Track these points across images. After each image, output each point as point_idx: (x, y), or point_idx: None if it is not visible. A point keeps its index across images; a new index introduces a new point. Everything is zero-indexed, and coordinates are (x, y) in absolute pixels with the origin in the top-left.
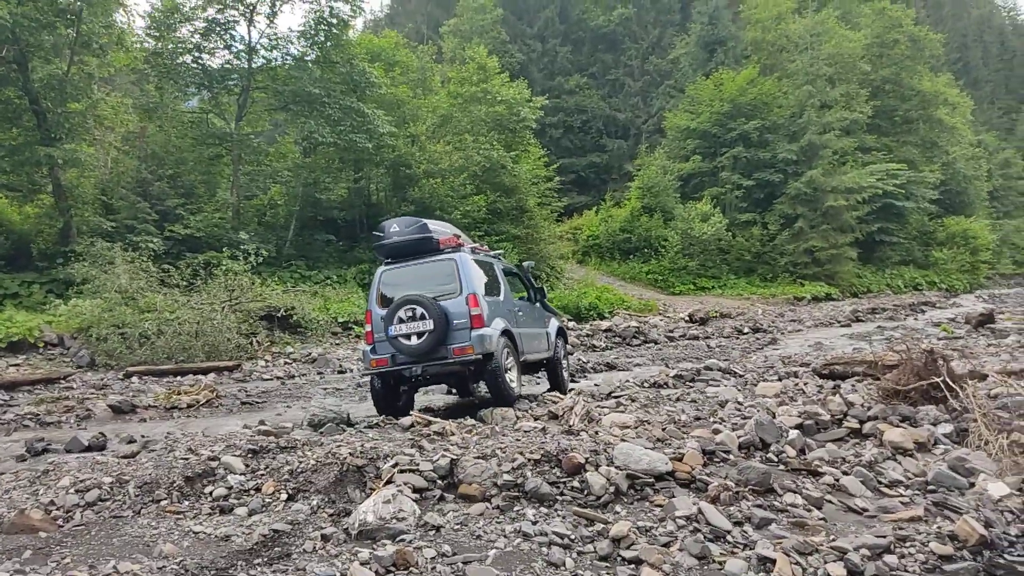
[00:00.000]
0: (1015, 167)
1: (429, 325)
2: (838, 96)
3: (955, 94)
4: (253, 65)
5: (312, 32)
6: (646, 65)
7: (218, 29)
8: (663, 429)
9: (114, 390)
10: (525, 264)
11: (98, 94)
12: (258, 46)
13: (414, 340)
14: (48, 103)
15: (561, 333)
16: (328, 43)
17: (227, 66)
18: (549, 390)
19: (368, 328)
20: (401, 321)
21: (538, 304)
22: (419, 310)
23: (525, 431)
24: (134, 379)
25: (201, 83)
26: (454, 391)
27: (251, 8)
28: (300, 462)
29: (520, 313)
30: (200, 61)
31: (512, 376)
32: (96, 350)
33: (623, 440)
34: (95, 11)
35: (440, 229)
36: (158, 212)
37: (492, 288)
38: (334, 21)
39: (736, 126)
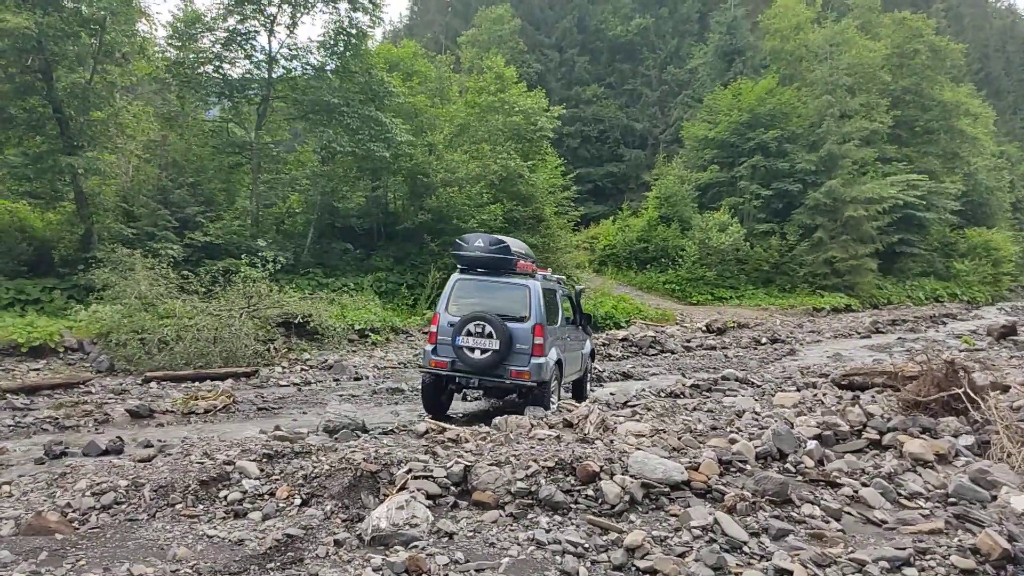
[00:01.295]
0: None
1: (495, 344)
2: (858, 106)
3: (977, 104)
4: (273, 75)
5: (332, 42)
6: (664, 75)
7: (239, 39)
8: (679, 438)
9: (132, 395)
10: (579, 288)
11: (120, 103)
12: (278, 56)
13: (478, 354)
14: (71, 111)
15: (592, 353)
16: (347, 53)
17: (247, 76)
18: (570, 399)
19: (433, 329)
20: (469, 334)
21: (580, 327)
22: (488, 328)
23: (540, 439)
24: (152, 384)
25: (222, 92)
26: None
27: (271, 19)
28: (314, 467)
29: (568, 339)
30: (221, 71)
31: (554, 397)
32: (115, 355)
33: (638, 449)
34: (118, 21)
35: (520, 251)
36: (178, 219)
37: (552, 315)
38: (353, 32)
39: (754, 136)
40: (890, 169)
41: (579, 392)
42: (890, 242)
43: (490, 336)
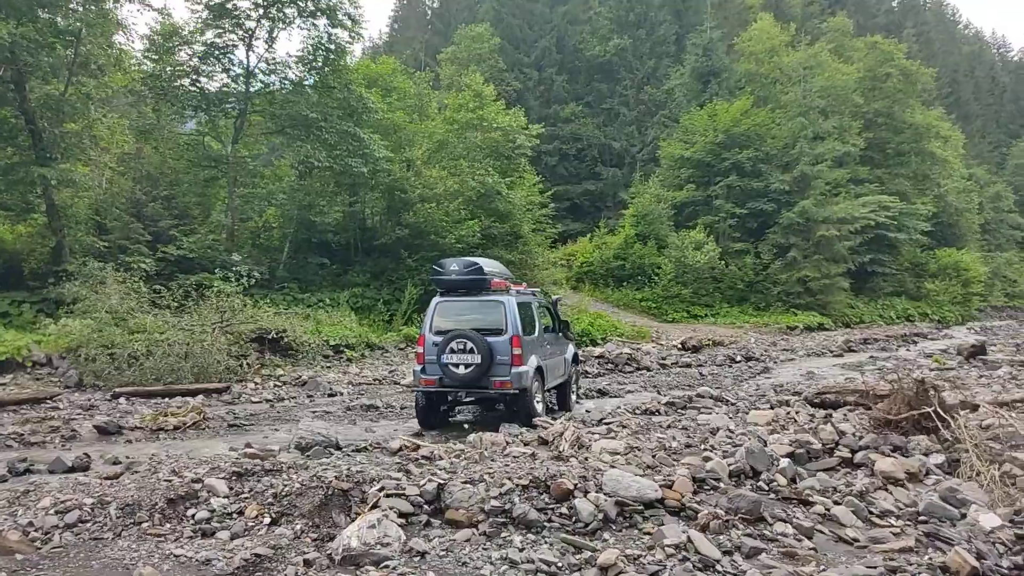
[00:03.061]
0: (1006, 200)
1: (477, 359)
2: (831, 128)
3: (947, 128)
4: (251, 89)
5: (310, 57)
6: (641, 95)
7: (216, 53)
8: (653, 456)
9: (101, 411)
10: (555, 298)
11: (95, 115)
12: (256, 70)
13: (462, 369)
14: (44, 123)
15: (575, 358)
16: (326, 68)
17: (225, 89)
18: (557, 408)
19: (420, 350)
20: (453, 352)
21: (560, 334)
22: (469, 344)
23: (514, 456)
24: (122, 400)
25: (198, 106)
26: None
27: (250, 33)
28: (285, 485)
29: (548, 346)
30: (198, 84)
31: (538, 402)
32: (84, 370)
33: (613, 466)
34: (95, 32)
35: (493, 271)
36: (151, 233)
37: (529, 326)
38: (332, 47)
39: (730, 156)
40: (862, 190)
41: (563, 397)
42: (862, 262)
43: (472, 352)
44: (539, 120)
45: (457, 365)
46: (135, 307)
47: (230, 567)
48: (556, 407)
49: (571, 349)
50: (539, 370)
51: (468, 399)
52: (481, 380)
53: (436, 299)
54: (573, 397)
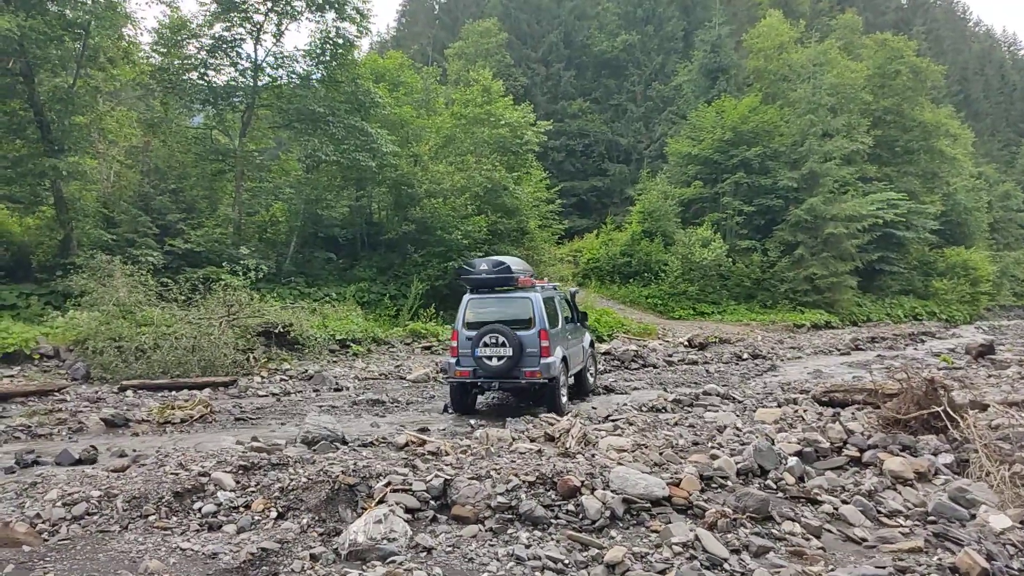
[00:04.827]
0: (1015, 199)
1: (508, 352)
2: (839, 125)
3: (956, 126)
4: (258, 83)
5: (318, 52)
6: (649, 91)
7: (224, 47)
8: (660, 453)
9: (108, 403)
10: (572, 290)
11: (103, 107)
12: (264, 64)
13: (495, 362)
14: (53, 115)
15: (592, 344)
16: (334, 63)
17: (232, 83)
18: (577, 392)
19: (454, 344)
20: (486, 345)
21: (578, 323)
22: (501, 338)
23: (521, 453)
24: (129, 393)
25: (206, 99)
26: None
27: (258, 27)
28: (291, 480)
29: (569, 336)
30: (206, 78)
31: (564, 391)
32: (92, 363)
33: (620, 464)
34: (103, 25)
35: (520, 269)
36: (159, 226)
37: (553, 319)
38: (340, 41)
39: (737, 153)
40: (871, 188)
41: (581, 382)
42: (870, 260)
43: (504, 345)
44: (546, 116)
45: (490, 358)
46: (142, 300)
47: (236, 561)
48: (576, 393)
49: (587, 337)
50: (564, 360)
51: (499, 388)
52: (512, 371)
53: (467, 296)
54: (591, 380)
